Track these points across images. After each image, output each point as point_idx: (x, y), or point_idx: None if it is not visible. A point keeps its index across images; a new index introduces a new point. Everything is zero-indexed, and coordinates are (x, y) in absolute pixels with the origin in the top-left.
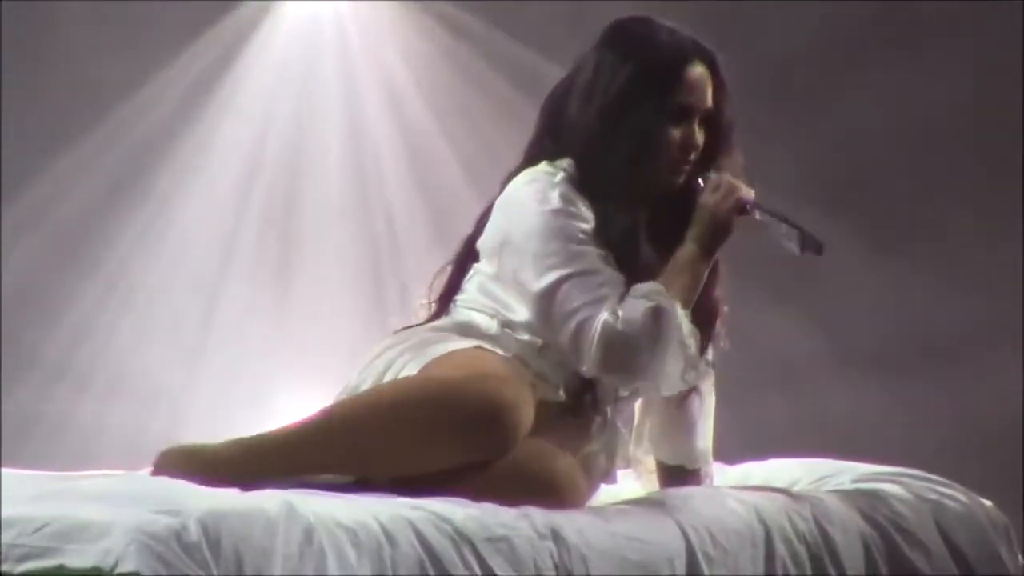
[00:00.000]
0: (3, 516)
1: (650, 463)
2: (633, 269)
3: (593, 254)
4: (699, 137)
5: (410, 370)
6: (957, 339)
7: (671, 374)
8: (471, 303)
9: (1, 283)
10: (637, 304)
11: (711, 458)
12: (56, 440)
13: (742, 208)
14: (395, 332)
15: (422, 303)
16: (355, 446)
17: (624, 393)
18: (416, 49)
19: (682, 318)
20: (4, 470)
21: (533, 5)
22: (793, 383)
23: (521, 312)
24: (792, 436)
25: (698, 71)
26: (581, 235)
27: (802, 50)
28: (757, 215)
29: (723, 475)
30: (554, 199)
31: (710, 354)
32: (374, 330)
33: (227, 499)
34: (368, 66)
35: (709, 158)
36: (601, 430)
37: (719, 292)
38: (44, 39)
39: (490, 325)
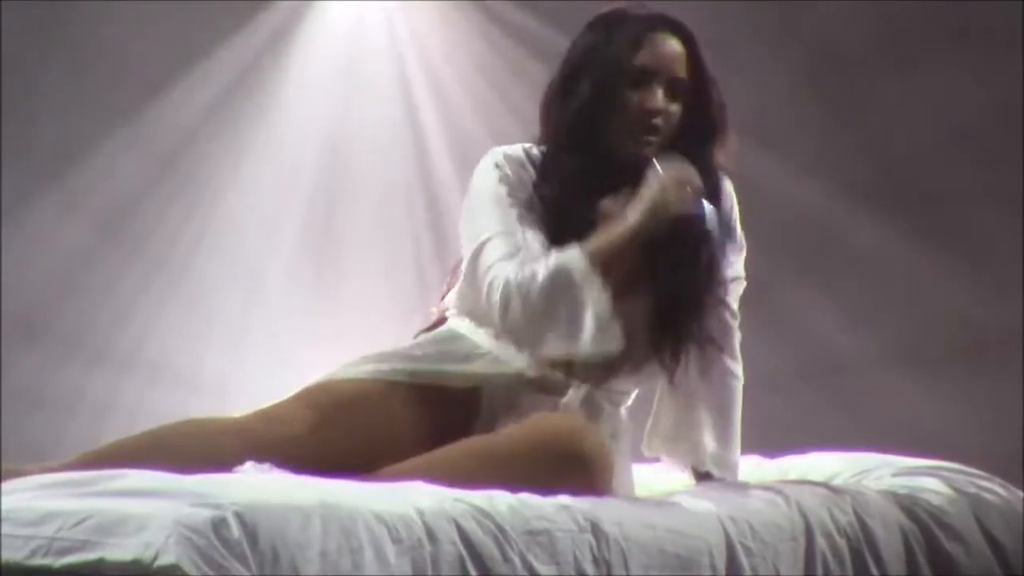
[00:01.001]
0: (44, 510)
1: None
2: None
3: (513, 215)
4: (663, 103)
5: None
6: (1002, 336)
7: (577, 331)
8: (455, 306)
9: (45, 266)
10: (541, 262)
11: (730, 462)
12: (99, 423)
13: (692, 201)
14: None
15: (431, 309)
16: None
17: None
18: (463, 39)
19: (585, 274)
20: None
21: None
22: (836, 377)
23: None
24: (833, 430)
25: (666, 40)
26: (508, 197)
27: (855, 46)
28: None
29: (763, 468)
30: (486, 169)
31: (739, 368)
32: (416, 318)
33: (266, 491)
34: (414, 57)
35: (700, 140)
36: (588, 412)
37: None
38: (95, 25)
39: (471, 329)
